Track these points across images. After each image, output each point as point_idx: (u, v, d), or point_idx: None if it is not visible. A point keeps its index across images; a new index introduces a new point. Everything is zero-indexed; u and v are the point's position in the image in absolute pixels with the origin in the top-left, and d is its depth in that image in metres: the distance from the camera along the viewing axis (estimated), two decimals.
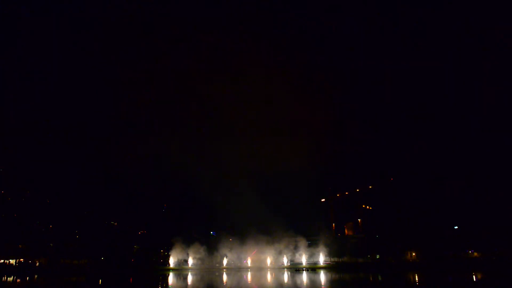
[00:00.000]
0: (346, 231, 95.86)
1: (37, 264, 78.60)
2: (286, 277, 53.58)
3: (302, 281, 43.83)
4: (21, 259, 78.38)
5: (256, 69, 78.28)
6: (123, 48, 78.84)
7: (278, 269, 76.12)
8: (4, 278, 56.25)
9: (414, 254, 79.99)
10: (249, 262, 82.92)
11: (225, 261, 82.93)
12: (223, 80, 78.56)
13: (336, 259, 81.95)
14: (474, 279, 43.49)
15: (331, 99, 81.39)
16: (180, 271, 77.02)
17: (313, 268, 73.43)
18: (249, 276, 55.97)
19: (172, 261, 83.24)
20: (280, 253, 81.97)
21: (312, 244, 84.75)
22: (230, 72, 77.89)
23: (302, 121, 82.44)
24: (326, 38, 79.06)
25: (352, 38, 79.77)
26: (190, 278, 54.73)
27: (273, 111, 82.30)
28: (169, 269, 79.77)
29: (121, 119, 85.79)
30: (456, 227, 79.90)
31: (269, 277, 54.43)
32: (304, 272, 64.99)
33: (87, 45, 79.82)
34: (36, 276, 62.75)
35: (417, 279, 45.56)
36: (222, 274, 64.04)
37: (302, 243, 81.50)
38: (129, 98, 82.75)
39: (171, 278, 55.49)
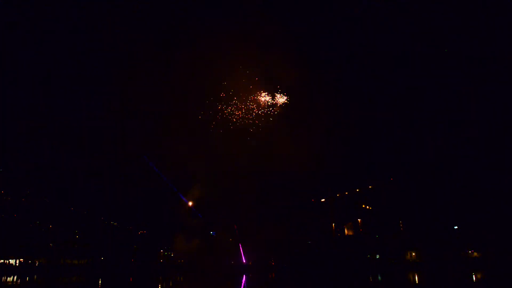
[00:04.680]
0: (346, 231, 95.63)
1: (37, 264, 78.60)
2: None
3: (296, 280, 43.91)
4: (21, 259, 78.38)
5: (257, 71, 78.08)
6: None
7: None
8: (4, 278, 56.34)
9: (414, 254, 80.00)
10: (249, 261, 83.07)
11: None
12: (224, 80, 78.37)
13: (336, 259, 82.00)
14: (474, 279, 43.54)
15: (331, 100, 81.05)
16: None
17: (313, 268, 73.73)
18: (247, 276, 56.14)
19: None
20: (279, 253, 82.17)
21: (312, 244, 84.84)
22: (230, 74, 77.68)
23: (301, 121, 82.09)
24: (326, 34, 78.81)
25: (353, 37, 79.72)
26: (189, 278, 54.89)
27: (272, 111, 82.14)
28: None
29: (121, 118, 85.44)
30: (456, 227, 79.87)
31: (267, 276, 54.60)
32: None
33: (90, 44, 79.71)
34: (36, 276, 62.86)
35: (417, 279, 45.62)
36: (221, 273, 64.27)
37: (302, 243, 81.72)
38: (130, 97, 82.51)
39: (171, 278, 55.62)
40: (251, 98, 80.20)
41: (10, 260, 77.55)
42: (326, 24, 78.04)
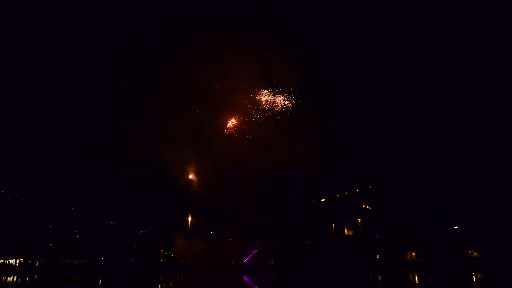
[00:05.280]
0: (346, 231, 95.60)
1: (37, 264, 78.53)
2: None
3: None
4: (21, 259, 78.32)
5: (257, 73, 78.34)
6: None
7: None
8: (4, 278, 56.33)
9: (414, 254, 79.97)
10: (249, 262, 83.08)
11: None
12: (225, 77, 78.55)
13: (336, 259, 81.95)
14: (474, 279, 43.55)
15: (330, 100, 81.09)
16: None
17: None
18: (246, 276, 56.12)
19: None
20: (279, 253, 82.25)
21: (312, 244, 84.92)
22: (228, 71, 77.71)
23: (301, 121, 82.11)
24: (325, 34, 79.00)
25: (353, 38, 79.80)
26: (189, 278, 54.87)
27: (273, 112, 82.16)
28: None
29: (121, 118, 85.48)
30: (456, 227, 79.86)
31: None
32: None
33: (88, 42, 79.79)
34: (36, 276, 62.86)
35: (417, 279, 45.63)
36: (221, 274, 64.31)
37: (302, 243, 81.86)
38: (130, 96, 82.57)
39: (171, 278, 55.61)
40: (251, 100, 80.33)
41: (10, 260, 77.50)
42: (324, 25, 78.18)
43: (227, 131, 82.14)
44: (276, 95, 79.37)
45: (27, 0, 74.17)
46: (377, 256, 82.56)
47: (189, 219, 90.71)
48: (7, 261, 77.28)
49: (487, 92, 74.59)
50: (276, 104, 79.73)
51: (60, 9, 74.56)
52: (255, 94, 79.81)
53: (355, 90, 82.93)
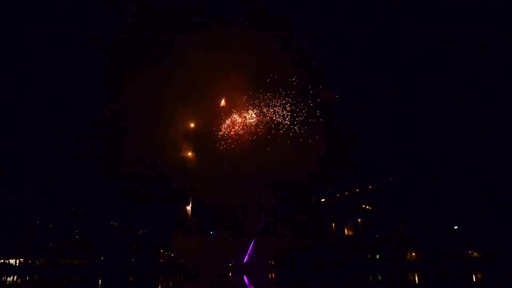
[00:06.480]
0: (346, 231, 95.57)
1: (37, 264, 78.58)
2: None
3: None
4: (21, 259, 78.37)
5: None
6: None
7: None
8: (4, 278, 56.35)
9: (414, 254, 79.97)
10: (248, 261, 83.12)
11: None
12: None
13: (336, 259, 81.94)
14: (474, 279, 43.55)
15: (330, 99, 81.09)
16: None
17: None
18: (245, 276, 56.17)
19: None
20: (279, 253, 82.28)
21: (312, 244, 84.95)
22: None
23: (302, 122, 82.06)
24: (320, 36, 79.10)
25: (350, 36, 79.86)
26: (190, 277, 54.91)
27: (273, 113, 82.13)
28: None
29: (122, 118, 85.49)
30: (456, 227, 79.81)
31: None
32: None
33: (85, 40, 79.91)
34: (36, 276, 62.91)
35: (417, 279, 45.64)
36: (221, 273, 64.38)
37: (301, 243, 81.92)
38: (131, 96, 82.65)
39: (171, 278, 55.64)
40: (250, 101, 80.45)
41: (10, 260, 77.53)
42: (323, 26, 78.23)
43: (227, 131, 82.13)
44: (275, 96, 79.40)
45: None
46: (377, 256, 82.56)
47: (189, 218, 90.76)
48: (7, 261, 77.31)
49: (487, 91, 74.57)
50: (275, 105, 79.73)
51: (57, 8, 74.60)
52: (254, 95, 79.84)
53: (355, 90, 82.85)
